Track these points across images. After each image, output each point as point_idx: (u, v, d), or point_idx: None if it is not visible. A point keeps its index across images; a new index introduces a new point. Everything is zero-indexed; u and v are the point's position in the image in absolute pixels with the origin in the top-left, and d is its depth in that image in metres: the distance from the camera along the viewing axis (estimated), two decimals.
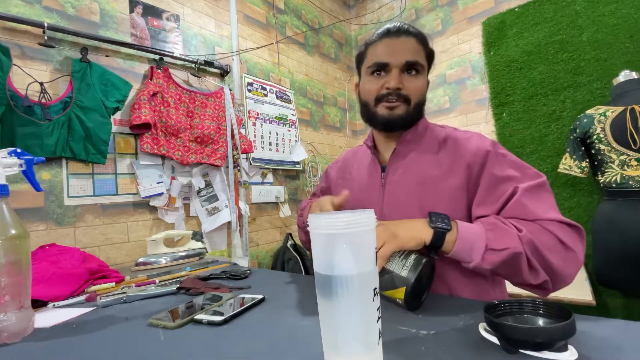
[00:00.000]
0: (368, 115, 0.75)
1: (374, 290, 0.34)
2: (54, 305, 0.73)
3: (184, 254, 1.25)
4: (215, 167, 1.76)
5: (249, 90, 2.03)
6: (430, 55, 0.75)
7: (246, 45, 2.06)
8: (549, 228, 0.55)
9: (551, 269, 0.54)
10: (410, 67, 0.70)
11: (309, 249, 0.75)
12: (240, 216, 1.85)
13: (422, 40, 0.72)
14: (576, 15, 1.89)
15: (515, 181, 0.61)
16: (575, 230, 0.56)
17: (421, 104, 0.73)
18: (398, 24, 0.73)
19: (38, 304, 0.73)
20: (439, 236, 0.56)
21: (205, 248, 1.38)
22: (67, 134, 1.24)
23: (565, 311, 0.39)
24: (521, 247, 0.53)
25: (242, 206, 1.87)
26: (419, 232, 0.56)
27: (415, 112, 0.72)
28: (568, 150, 1.68)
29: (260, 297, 0.67)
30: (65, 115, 1.24)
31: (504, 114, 2.13)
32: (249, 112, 2.02)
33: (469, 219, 0.66)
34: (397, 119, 0.71)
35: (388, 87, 0.70)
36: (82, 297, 0.77)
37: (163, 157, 1.56)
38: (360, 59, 0.79)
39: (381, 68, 0.71)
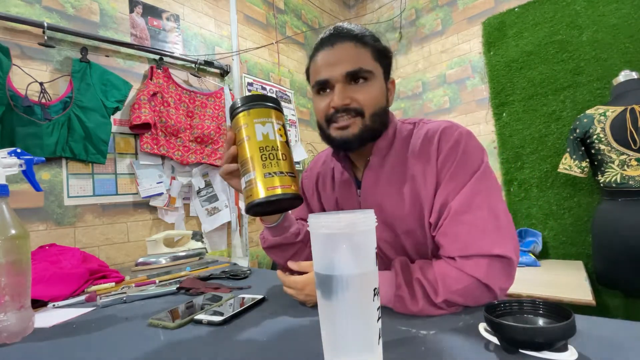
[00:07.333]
0: (325, 137, 0.67)
1: (374, 290, 0.34)
2: (54, 305, 0.73)
3: (183, 254, 1.25)
4: (215, 167, 1.76)
5: (249, 90, 2.03)
6: (382, 53, 0.65)
7: (246, 45, 2.06)
8: (472, 273, 0.53)
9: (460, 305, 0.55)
10: (354, 77, 0.61)
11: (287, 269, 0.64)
12: (240, 216, 1.85)
13: (363, 40, 0.62)
14: (576, 15, 1.89)
15: (451, 194, 0.58)
16: (505, 262, 0.54)
17: (379, 113, 0.64)
18: (331, 29, 0.65)
19: (38, 304, 0.73)
20: None
21: (205, 248, 1.38)
22: (67, 134, 1.24)
23: (565, 311, 0.39)
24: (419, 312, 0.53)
25: (242, 206, 1.87)
26: None
27: (375, 123, 0.63)
28: (568, 150, 1.68)
29: (260, 297, 0.67)
30: (65, 115, 1.24)
31: (504, 114, 2.12)
32: None
33: None
34: (353, 139, 0.62)
35: (334, 106, 0.61)
36: (82, 297, 0.77)
37: (163, 157, 1.56)
38: (308, 76, 0.70)
39: (324, 85, 0.63)
